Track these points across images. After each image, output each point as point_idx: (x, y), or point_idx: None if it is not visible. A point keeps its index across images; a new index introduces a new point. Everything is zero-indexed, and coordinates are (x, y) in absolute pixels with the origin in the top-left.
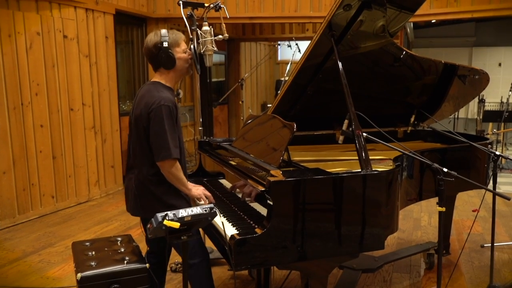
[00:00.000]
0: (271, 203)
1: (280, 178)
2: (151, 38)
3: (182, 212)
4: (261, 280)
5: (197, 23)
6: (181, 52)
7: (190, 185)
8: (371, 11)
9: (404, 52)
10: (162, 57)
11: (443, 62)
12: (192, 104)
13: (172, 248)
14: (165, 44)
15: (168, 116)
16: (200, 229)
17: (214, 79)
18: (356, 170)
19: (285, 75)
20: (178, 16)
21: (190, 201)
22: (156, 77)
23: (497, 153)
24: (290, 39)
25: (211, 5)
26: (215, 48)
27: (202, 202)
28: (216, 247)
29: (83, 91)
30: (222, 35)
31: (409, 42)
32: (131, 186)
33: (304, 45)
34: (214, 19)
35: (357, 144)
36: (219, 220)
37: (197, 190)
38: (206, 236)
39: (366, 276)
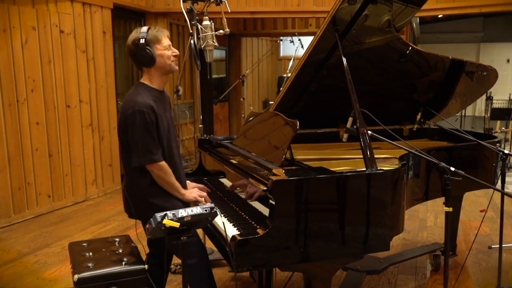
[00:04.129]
0: (273, 202)
1: (283, 177)
2: (132, 35)
3: (182, 212)
4: (263, 282)
5: (197, 17)
6: (163, 49)
7: (183, 189)
8: (377, 5)
9: (410, 48)
10: (140, 54)
11: (450, 58)
12: (192, 101)
13: None
14: (142, 41)
15: (141, 122)
16: (200, 229)
17: (214, 76)
18: (360, 169)
19: (288, 71)
20: (177, 11)
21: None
22: (142, 78)
23: (506, 151)
24: (292, 34)
25: None
26: (216, 44)
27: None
28: (216, 248)
29: (80, 87)
30: (223, 30)
31: (415, 37)
32: (123, 188)
33: (307, 40)
34: (215, 14)
35: (362, 142)
36: (220, 220)
37: (190, 193)
38: (206, 236)
39: (370, 278)
